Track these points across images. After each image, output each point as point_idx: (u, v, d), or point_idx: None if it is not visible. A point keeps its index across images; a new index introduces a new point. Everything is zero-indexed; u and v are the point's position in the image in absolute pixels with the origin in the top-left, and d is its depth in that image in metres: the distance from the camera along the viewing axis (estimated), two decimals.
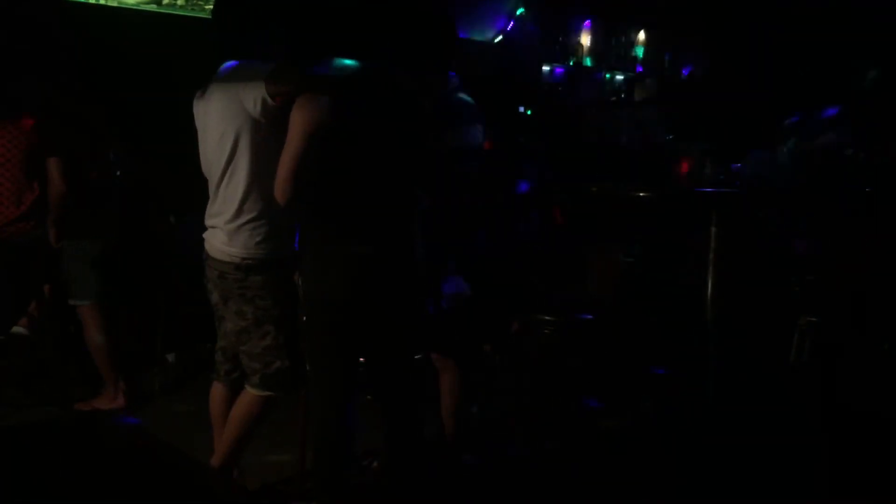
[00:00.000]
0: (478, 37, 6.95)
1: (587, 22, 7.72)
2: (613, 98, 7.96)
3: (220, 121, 2.88)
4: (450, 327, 3.31)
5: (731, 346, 4.07)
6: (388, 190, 2.78)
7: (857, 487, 3.33)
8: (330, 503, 2.86)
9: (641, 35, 8.10)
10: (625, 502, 3.39)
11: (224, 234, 2.93)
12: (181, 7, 5.22)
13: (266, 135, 2.80)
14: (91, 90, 4.17)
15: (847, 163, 4.68)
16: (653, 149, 6.19)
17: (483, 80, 5.52)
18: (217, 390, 3.19)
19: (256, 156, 2.84)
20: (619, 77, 8.11)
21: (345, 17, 2.98)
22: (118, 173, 4.40)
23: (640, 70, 8.13)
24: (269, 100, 2.76)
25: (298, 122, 2.65)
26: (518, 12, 7.13)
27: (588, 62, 7.77)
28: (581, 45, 7.70)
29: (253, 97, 2.78)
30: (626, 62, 8.04)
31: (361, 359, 2.92)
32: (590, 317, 3.78)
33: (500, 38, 7.13)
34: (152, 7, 5.14)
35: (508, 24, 7.13)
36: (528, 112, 6.79)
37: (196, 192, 3.05)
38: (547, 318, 3.70)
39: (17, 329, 4.20)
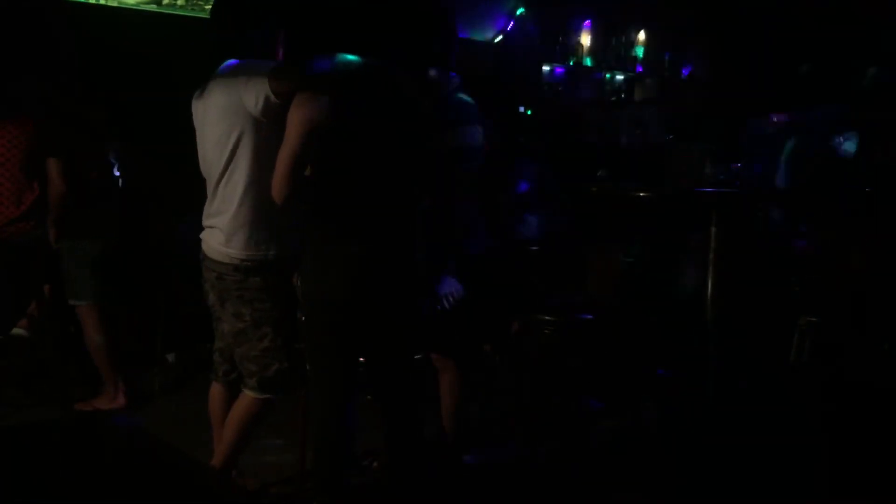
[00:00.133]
0: (478, 37, 6.96)
1: (587, 22, 7.72)
2: (613, 98, 7.96)
3: (220, 120, 2.87)
4: (446, 327, 3.31)
5: (731, 346, 4.07)
6: (388, 190, 2.78)
7: (857, 487, 3.33)
8: (330, 503, 2.86)
9: (641, 35, 8.10)
10: (625, 502, 3.39)
11: (223, 234, 2.91)
12: (181, 7, 5.23)
13: (267, 134, 2.79)
14: (91, 90, 4.17)
15: (847, 163, 4.69)
16: (653, 149, 6.20)
17: (483, 80, 5.52)
18: (216, 391, 3.19)
19: (257, 155, 2.83)
20: (619, 77, 8.11)
21: (345, 17, 2.97)
22: (118, 173, 4.40)
23: (640, 70, 8.13)
24: (272, 97, 2.74)
25: (296, 120, 2.65)
26: (518, 12, 7.14)
27: (588, 62, 7.77)
28: (581, 45, 7.70)
29: (255, 96, 2.77)
30: (626, 62, 8.04)
31: (361, 359, 2.92)
32: (590, 317, 3.78)
33: (500, 38, 7.13)
34: (152, 7, 5.14)
35: (508, 24, 7.13)
36: (528, 112, 6.79)
37: (196, 192, 3.05)
38: (547, 318, 3.70)
39: (17, 330, 4.20)
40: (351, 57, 2.72)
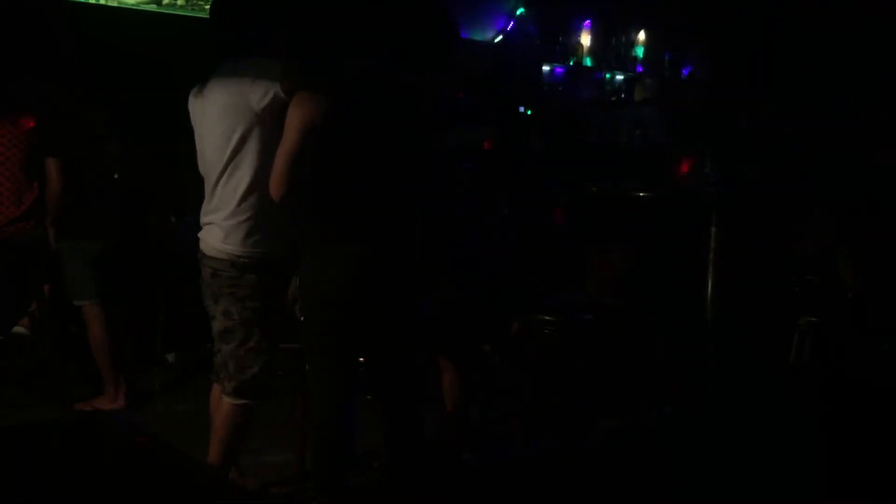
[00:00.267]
0: (478, 37, 6.95)
1: (587, 22, 7.72)
2: (613, 98, 7.95)
3: (222, 117, 2.85)
4: (446, 327, 3.31)
5: (731, 346, 4.07)
6: (388, 190, 2.78)
7: (857, 487, 3.33)
8: (330, 503, 2.86)
9: (641, 35, 8.10)
10: (625, 502, 3.39)
11: (221, 230, 2.89)
12: (181, 7, 5.22)
13: (270, 132, 2.77)
14: (91, 90, 4.17)
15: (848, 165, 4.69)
16: (653, 149, 6.20)
17: (483, 80, 5.52)
18: (217, 392, 3.18)
19: (259, 153, 2.82)
20: (619, 77, 8.11)
21: (345, 16, 2.97)
22: (118, 174, 4.40)
23: (640, 70, 8.12)
24: (281, 95, 2.73)
25: (295, 119, 2.65)
26: (518, 12, 7.13)
27: (588, 62, 7.77)
28: (581, 45, 7.70)
29: (262, 93, 2.76)
30: (626, 62, 8.04)
31: (361, 359, 2.92)
32: (590, 317, 3.78)
33: (500, 38, 7.12)
34: (152, 7, 5.14)
35: (508, 24, 7.13)
36: (528, 112, 6.79)
37: (196, 192, 3.04)
38: (547, 318, 3.70)
39: (17, 329, 4.20)
40: (349, 56, 2.73)
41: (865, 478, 3.38)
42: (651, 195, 4.06)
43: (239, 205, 2.87)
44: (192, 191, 3.11)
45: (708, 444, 3.69)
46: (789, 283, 4.39)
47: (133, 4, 5.07)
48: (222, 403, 3.01)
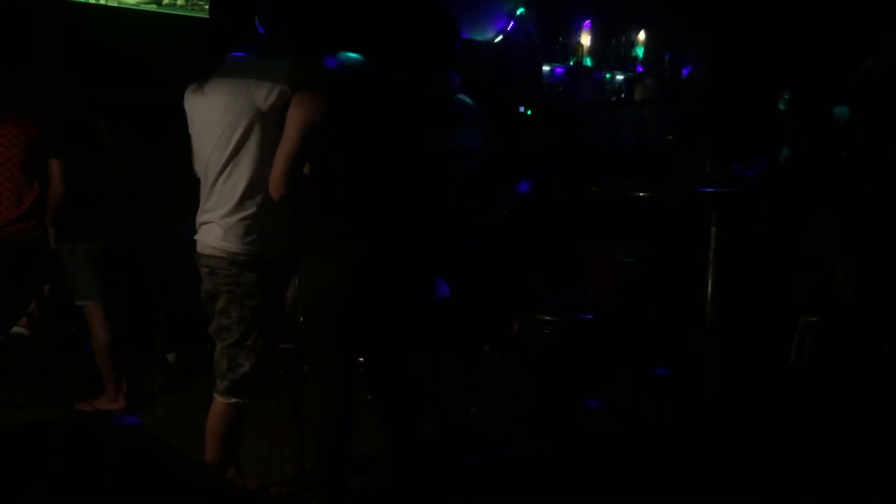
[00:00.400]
0: (478, 37, 6.95)
1: (587, 22, 7.72)
2: (613, 98, 7.96)
3: (224, 114, 2.82)
4: (446, 327, 3.31)
5: (731, 346, 4.07)
6: (388, 190, 2.78)
7: (857, 487, 3.33)
8: (330, 503, 2.86)
9: (641, 35, 8.10)
10: (625, 502, 3.39)
11: (220, 228, 2.86)
12: (181, 7, 5.22)
13: (273, 130, 2.76)
14: (91, 90, 4.17)
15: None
16: (653, 149, 6.20)
17: (483, 80, 5.52)
18: None
19: (261, 151, 2.80)
20: (619, 77, 8.11)
21: (346, 17, 2.97)
22: (118, 174, 4.40)
23: (640, 70, 8.13)
24: (288, 92, 2.73)
25: (296, 118, 2.65)
26: (518, 12, 7.13)
27: (588, 62, 7.77)
28: (581, 45, 7.70)
29: (268, 91, 2.76)
30: (626, 62, 8.04)
31: (361, 359, 2.92)
32: (590, 317, 3.78)
33: (500, 38, 7.13)
34: (152, 7, 5.14)
35: (508, 24, 7.13)
36: (528, 112, 6.79)
37: (196, 192, 3.04)
38: (547, 318, 3.70)
39: (17, 329, 4.20)
40: (353, 56, 2.73)
41: (865, 478, 3.38)
42: (651, 195, 4.06)
43: (239, 203, 2.84)
44: (192, 191, 3.11)
45: (707, 444, 3.69)
46: (789, 283, 4.39)
47: (133, 4, 5.07)
48: (215, 403, 3.00)
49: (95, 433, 2.17)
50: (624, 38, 8.01)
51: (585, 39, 7.74)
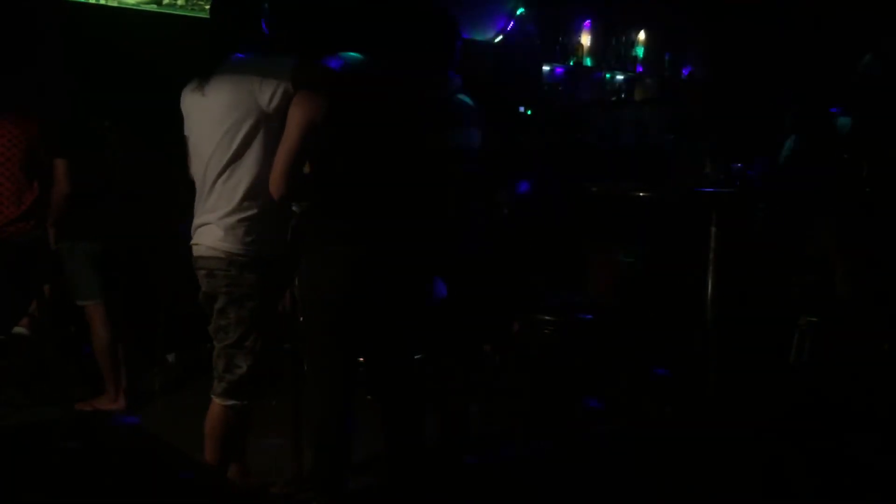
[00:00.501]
0: (478, 37, 6.95)
1: (587, 22, 7.72)
2: (613, 98, 7.96)
3: (227, 115, 2.80)
4: (446, 327, 3.31)
5: (731, 346, 4.07)
6: (388, 190, 2.78)
7: (857, 488, 3.33)
8: (330, 503, 2.86)
9: (641, 35, 8.10)
10: (624, 502, 3.39)
11: (219, 229, 2.83)
12: (181, 7, 5.22)
13: (275, 131, 2.74)
14: (91, 90, 4.17)
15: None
16: (653, 149, 6.21)
17: (483, 80, 5.52)
18: None
19: (263, 152, 2.78)
20: (619, 77, 8.11)
21: (347, 17, 2.98)
22: (118, 174, 4.40)
23: (640, 70, 8.13)
24: (291, 93, 2.71)
25: (296, 118, 2.65)
26: (518, 12, 7.14)
27: (588, 62, 7.77)
28: (581, 45, 7.70)
29: (271, 91, 2.74)
30: (626, 62, 8.04)
31: (361, 359, 2.92)
32: (590, 317, 3.78)
33: (500, 38, 7.13)
34: (152, 7, 5.14)
35: (508, 24, 7.13)
36: (528, 112, 6.79)
37: (195, 192, 3.03)
38: (547, 318, 3.70)
39: (18, 329, 4.20)
40: (353, 55, 2.73)
41: (865, 478, 3.38)
42: (651, 195, 4.06)
43: (239, 203, 2.81)
44: (191, 191, 3.10)
45: (707, 444, 3.69)
46: (789, 283, 4.39)
47: (133, 4, 5.07)
48: (213, 405, 2.98)
49: (95, 433, 2.18)
50: (624, 38, 8.02)
51: (585, 39, 7.74)
